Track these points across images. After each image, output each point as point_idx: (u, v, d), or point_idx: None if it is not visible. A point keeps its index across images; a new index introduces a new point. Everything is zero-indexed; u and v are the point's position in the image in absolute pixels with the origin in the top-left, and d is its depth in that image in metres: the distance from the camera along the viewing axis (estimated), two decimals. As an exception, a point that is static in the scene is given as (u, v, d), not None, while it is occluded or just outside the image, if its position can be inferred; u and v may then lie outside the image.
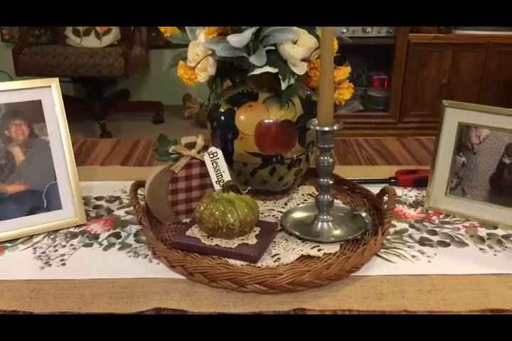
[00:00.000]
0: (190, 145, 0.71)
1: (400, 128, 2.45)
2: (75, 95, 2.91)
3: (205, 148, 0.72)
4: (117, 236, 0.73)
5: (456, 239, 0.72)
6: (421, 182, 0.88)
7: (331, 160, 0.69)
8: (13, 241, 0.71)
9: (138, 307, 0.58)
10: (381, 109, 2.49)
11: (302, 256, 0.66)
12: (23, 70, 2.34)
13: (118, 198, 0.86)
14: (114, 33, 2.58)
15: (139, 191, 0.79)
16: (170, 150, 0.70)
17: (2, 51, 2.90)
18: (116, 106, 2.86)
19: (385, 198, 0.79)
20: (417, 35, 2.32)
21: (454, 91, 2.34)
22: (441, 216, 0.79)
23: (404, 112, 2.46)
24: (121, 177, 0.94)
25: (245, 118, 0.74)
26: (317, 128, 0.67)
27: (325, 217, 0.72)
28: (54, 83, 0.76)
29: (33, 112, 0.74)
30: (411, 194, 0.87)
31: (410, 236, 0.73)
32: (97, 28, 2.53)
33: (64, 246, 0.71)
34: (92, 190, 0.88)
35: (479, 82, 2.36)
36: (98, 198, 0.86)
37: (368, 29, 2.30)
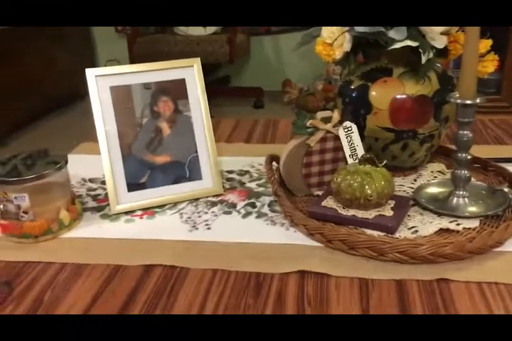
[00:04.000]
0: (326, 120, 0.74)
1: (513, 113, 2.30)
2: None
3: (340, 122, 0.74)
4: (253, 205, 0.78)
5: None
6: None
7: (470, 134, 0.68)
8: (161, 206, 0.78)
9: (282, 268, 0.62)
10: (493, 92, 2.36)
11: (441, 229, 0.66)
12: (137, 59, 2.49)
13: (248, 172, 0.90)
14: (219, 20, 2.67)
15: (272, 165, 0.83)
16: (307, 124, 0.72)
17: (117, 42, 3.11)
18: (218, 92, 2.96)
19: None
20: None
21: None
22: None
23: (518, 95, 2.31)
24: (247, 153, 0.99)
25: (380, 94, 0.75)
26: (458, 101, 0.66)
27: (461, 192, 0.71)
28: (196, 63, 0.82)
29: (178, 90, 0.81)
30: (549, 174, 0.82)
31: (554, 214, 0.70)
32: (204, 16, 2.62)
33: (206, 212, 0.76)
34: (222, 164, 0.94)
35: None
36: (229, 172, 0.91)
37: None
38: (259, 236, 0.69)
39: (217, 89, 2.97)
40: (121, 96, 0.77)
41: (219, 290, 0.59)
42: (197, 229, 0.72)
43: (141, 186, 0.78)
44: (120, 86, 0.77)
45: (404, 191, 0.78)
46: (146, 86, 0.79)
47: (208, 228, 0.72)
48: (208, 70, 2.95)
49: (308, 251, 0.65)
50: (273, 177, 0.77)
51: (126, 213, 0.77)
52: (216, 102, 2.88)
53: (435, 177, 0.81)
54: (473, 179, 0.79)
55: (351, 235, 0.64)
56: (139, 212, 0.77)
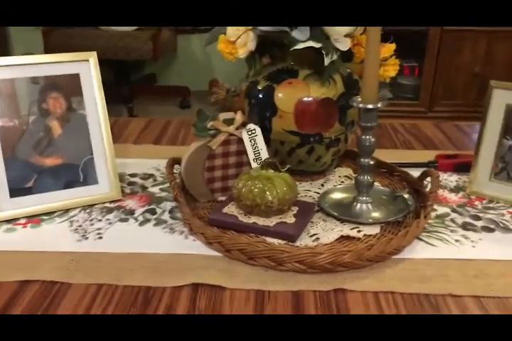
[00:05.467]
0: (229, 122, 0.70)
1: (430, 118, 2.39)
2: (102, 78, 2.92)
3: (244, 124, 0.71)
4: (152, 212, 0.73)
5: (500, 224, 0.70)
6: (461, 167, 0.85)
7: (373, 139, 0.67)
8: (50, 214, 0.71)
9: (175, 281, 0.57)
10: (411, 97, 2.44)
11: (341, 237, 0.65)
12: (51, 53, 2.35)
13: (152, 175, 0.85)
14: (143, 16, 2.57)
15: (174, 169, 0.78)
16: (208, 126, 0.68)
17: (32, 33, 2.92)
18: (143, 91, 2.86)
19: (425, 182, 0.76)
20: (452, 21, 2.25)
21: (486, 81, 2.27)
22: (485, 201, 0.76)
23: (434, 101, 2.41)
24: (154, 155, 0.93)
25: (285, 96, 0.72)
26: (360, 105, 0.65)
27: (364, 198, 0.70)
28: (92, 57, 0.75)
29: (71, 86, 0.74)
30: (451, 179, 0.84)
31: (453, 220, 0.70)
32: (127, 10, 2.52)
33: (100, 220, 0.70)
34: (126, 167, 0.88)
35: (515, 71, 2.29)
36: (132, 175, 0.85)
37: (401, 15, 2.24)
38: (155, 246, 0.64)
39: (141, 87, 2.87)
40: (3, 91, 0.69)
41: (101, 307, 0.54)
42: (87, 238, 0.66)
43: (27, 191, 0.71)
44: (1, 80, 0.69)
45: (310, 196, 0.76)
46: (34, 80, 0.71)
47: (100, 237, 0.66)
48: (132, 68, 2.87)
49: (205, 261, 0.61)
50: (174, 181, 0.72)
51: (8, 221, 0.69)
52: (141, 101, 2.79)
53: (342, 182, 0.80)
54: (377, 184, 0.79)
55: (250, 244, 0.60)
56: (23, 220, 0.70)
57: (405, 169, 0.82)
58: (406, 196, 0.68)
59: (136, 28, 2.55)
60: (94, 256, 0.62)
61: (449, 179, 0.84)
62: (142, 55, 2.37)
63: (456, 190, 0.80)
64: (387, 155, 0.90)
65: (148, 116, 2.62)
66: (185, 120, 1.15)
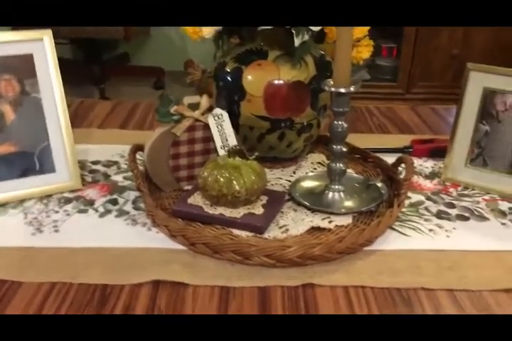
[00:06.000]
0: (194, 106, 0.66)
1: (407, 99, 2.37)
2: (72, 58, 2.82)
3: (210, 109, 0.67)
4: (114, 202, 0.69)
5: (475, 212, 0.68)
6: (437, 152, 0.83)
7: (345, 125, 0.64)
8: (2, 205, 0.67)
9: (135, 278, 0.54)
10: (389, 78, 2.41)
11: (312, 227, 0.62)
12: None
13: (116, 163, 0.81)
14: (114, -8, 2.46)
15: (138, 156, 0.74)
16: (172, 111, 0.64)
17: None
18: (115, 71, 2.76)
19: (400, 168, 0.74)
20: (430, 1, 2.21)
21: (464, 63, 2.25)
22: (460, 188, 0.74)
23: (412, 83, 2.38)
24: (120, 141, 0.88)
25: (253, 78, 0.68)
26: (332, 89, 0.61)
27: (337, 186, 0.67)
28: (47, 35, 0.70)
29: (24, 67, 0.68)
30: (427, 165, 0.82)
31: (427, 208, 0.68)
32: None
33: (57, 211, 0.66)
34: (88, 153, 0.83)
35: (491, 54, 2.27)
36: (95, 162, 0.81)
37: (380, -6, 2.19)
38: (115, 239, 0.61)
39: (114, 67, 2.77)
40: None
41: (54, 307, 0.50)
42: (41, 232, 0.62)
43: (-23, 181, 0.66)
44: None
45: (281, 184, 0.73)
46: (-19, 61, 0.66)
47: (56, 230, 0.62)
48: (104, 47, 2.77)
49: (169, 255, 0.58)
50: (136, 169, 0.68)
51: (-44, 214, 0.64)
52: (113, 82, 2.70)
53: (315, 168, 0.77)
54: (351, 171, 0.76)
55: (216, 237, 0.57)
56: (-27, 213, 0.65)
57: (380, 155, 0.80)
58: (379, 184, 0.66)
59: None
60: (48, 252, 0.58)
61: (424, 165, 0.81)
62: (113, 35, 2.28)
63: (431, 176, 0.78)
64: (362, 140, 0.87)
65: (121, 97, 2.54)
66: (153, 103, 1.10)
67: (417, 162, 0.82)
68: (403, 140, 0.88)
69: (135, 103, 1.09)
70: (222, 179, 0.61)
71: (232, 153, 0.62)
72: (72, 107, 1.04)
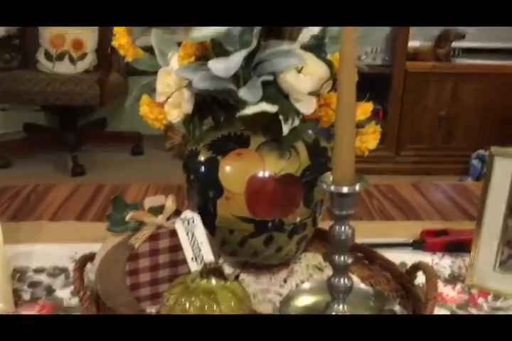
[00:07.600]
0: (157, 210, 0.52)
1: (397, 162, 2.29)
2: (46, 124, 2.70)
3: (177, 212, 0.53)
4: (54, 333, 0.53)
5: (519, 336, 0.53)
6: (453, 246, 0.70)
7: (350, 231, 0.51)
8: None
9: None
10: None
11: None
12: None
13: (64, 271, 0.65)
14: (90, 57, 2.39)
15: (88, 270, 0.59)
16: (127, 218, 0.50)
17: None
18: (91, 137, 2.65)
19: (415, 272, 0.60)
20: (414, 63, 2.19)
21: (453, 124, 2.20)
22: (490, 297, 0.60)
23: (401, 145, 2.31)
24: (74, 237, 0.74)
25: (232, 171, 0.55)
26: (332, 188, 0.48)
27: (340, 306, 0.52)
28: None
29: None
30: (443, 263, 0.68)
31: (457, 332, 0.53)
32: (71, 52, 2.34)
33: (-26, 352, 0.50)
34: (31, 257, 0.68)
35: (480, 115, 2.23)
36: (38, 270, 0.65)
37: (362, 56, 2.17)
38: None
39: (89, 133, 2.66)
40: None
41: None
42: None
43: None
44: None
45: (269, 300, 0.58)
46: None
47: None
48: (79, 112, 2.67)
49: None
50: (82, 290, 0.53)
51: None
52: (88, 148, 2.57)
53: (311, 274, 0.63)
54: (355, 276, 0.62)
55: None
56: None
57: (386, 250, 0.67)
58: (397, 308, 0.51)
59: (81, 70, 2.37)
60: None
61: (441, 264, 0.68)
62: (87, 100, 2.18)
63: (452, 280, 0.64)
64: (362, 230, 0.72)
65: (96, 165, 2.40)
66: (120, 184, 0.96)
67: (432, 259, 0.69)
68: (410, 228, 0.76)
69: (98, 186, 0.95)
70: (192, 309, 0.46)
71: (205, 272, 0.48)
72: (23, 193, 0.89)
